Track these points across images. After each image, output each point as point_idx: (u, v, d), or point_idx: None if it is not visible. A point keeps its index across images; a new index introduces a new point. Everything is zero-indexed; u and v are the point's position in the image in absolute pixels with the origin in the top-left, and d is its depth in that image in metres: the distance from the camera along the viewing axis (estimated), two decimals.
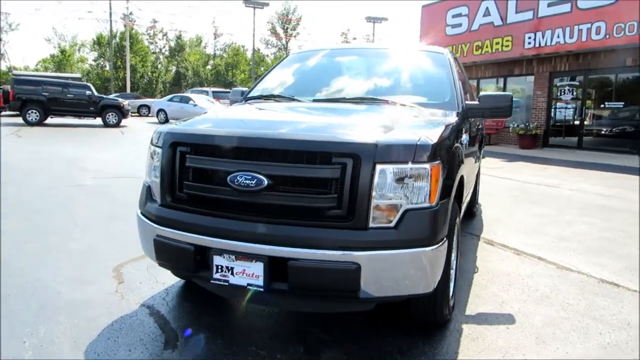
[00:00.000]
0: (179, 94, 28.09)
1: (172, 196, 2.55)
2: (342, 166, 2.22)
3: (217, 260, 2.36)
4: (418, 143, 2.29)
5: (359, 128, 2.50)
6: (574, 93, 15.63)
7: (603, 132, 15.23)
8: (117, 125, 20.67)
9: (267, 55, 66.88)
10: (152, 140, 2.80)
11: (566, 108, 16.15)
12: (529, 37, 15.23)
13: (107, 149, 12.24)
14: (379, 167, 2.22)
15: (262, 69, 63.08)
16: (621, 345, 2.76)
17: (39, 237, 4.43)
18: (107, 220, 5.13)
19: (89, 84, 22.65)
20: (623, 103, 14.53)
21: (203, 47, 66.91)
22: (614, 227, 5.49)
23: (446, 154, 2.51)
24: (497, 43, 16.24)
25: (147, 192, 2.75)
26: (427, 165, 2.28)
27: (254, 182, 2.26)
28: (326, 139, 2.29)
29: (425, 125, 2.63)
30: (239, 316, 3.06)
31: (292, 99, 3.51)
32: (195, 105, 23.51)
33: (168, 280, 3.45)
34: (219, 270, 2.37)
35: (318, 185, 2.26)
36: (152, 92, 54.14)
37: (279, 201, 2.28)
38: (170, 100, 25.43)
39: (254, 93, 3.88)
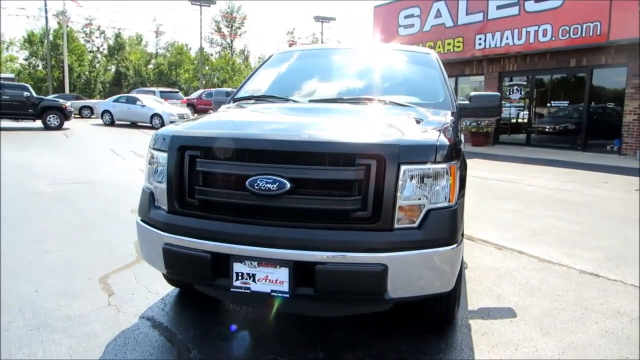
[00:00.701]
0: (125, 95, 26.93)
1: (181, 202, 2.42)
2: (366, 167, 2.19)
3: (237, 267, 2.27)
4: (438, 143, 2.30)
5: (377, 129, 2.48)
6: (522, 92, 16.37)
7: (547, 129, 16.04)
8: (59, 128, 19.50)
9: (212, 54, 65.74)
10: (151, 144, 2.65)
11: (511, 107, 16.85)
12: (479, 39, 15.79)
13: (55, 153, 11.55)
14: (403, 167, 2.21)
15: (207, 67, 61.83)
16: (618, 332, 2.90)
17: (10, 250, 4.10)
18: (77, 229, 4.84)
19: (27, 84, 21.29)
20: (567, 102, 15.39)
21: (144, 45, 64.76)
22: (578, 220, 5.79)
23: (458, 153, 2.54)
24: (449, 44, 16.71)
25: (150, 198, 2.60)
26: (446, 165, 2.30)
27: (275, 186, 2.19)
28: (350, 141, 2.26)
29: (434, 126, 2.64)
30: (248, 323, 2.96)
31: (286, 100, 3.43)
32: (143, 106, 22.64)
33: (161, 289, 3.30)
34: (240, 278, 2.27)
35: (341, 187, 2.22)
36: (90, 93, 51.71)
37: (301, 204, 2.22)
38: (116, 101, 24.26)
39: (242, 94, 3.76)
